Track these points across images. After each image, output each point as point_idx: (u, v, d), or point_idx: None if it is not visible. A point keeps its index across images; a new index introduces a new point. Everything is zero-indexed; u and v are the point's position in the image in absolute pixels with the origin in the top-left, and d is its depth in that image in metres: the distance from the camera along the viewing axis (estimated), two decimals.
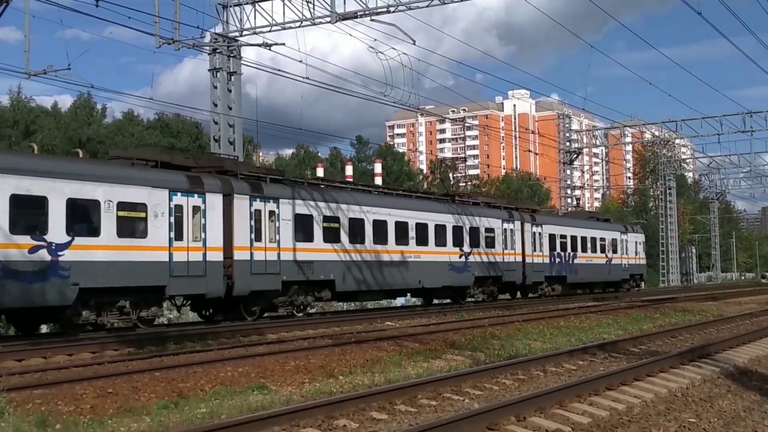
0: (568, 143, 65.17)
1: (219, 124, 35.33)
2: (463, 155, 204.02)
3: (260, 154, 62.31)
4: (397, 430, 9.85)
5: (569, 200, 66.68)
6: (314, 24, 33.27)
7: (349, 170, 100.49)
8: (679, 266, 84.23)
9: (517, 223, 42.14)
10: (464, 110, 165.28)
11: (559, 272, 45.68)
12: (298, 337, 22.13)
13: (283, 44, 30.48)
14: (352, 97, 35.67)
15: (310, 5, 32.58)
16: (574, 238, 47.55)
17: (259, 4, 34.31)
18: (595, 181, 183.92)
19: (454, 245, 36.97)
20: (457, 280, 37.50)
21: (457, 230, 37.21)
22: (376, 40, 34.02)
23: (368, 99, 35.06)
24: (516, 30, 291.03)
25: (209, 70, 35.56)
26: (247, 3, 34.58)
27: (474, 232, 38.53)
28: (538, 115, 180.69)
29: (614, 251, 53.19)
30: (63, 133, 75.02)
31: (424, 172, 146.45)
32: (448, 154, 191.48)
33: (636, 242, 57.50)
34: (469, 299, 39.85)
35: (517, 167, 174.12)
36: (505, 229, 41.24)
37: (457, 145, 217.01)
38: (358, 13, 31.38)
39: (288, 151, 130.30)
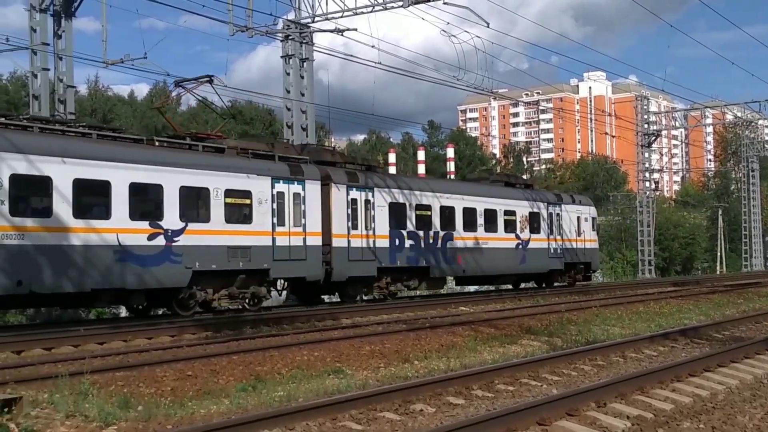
0: (646, 125, 63.67)
1: (292, 110, 35.56)
2: (536, 139, 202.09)
3: (332, 139, 62.57)
4: (475, 415, 9.75)
5: (647, 184, 65.20)
6: (386, 9, 33.08)
7: (421, 155, 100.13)
8: (762, 250, 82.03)
9: (311, 185, 26.81)
10: (538, 93, 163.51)
11: (409, 260, 30.93)
12: (372, 322, 22.17)
13: (355, 30, 30.44)
14: (425, 81, 35.37)
15: None
16: (445, 211, 32.80)
17: None
18: (675, 163, 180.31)
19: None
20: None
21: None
22: (448, 23, 33.81)
23: (440, 83, 34.77)
24: (592, 10, 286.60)
25: (282, 56, 35.78)
26: None
27: None
28: (614, 98, 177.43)
29: (534, 230, 38.04)
30: (139, 122, 76.44)
31: (497, 156, 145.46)
32: (521, 138, 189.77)
33: (579, 218, 41.80)
34: None
35: (592, 151, 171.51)
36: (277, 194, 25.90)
37: (530, 128, 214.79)
38: None
39: (360, 137, 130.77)
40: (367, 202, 28.84)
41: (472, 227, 34.09)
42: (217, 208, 23.70)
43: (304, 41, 34.77)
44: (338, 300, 30.43)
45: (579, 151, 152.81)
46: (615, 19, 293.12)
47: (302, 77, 35.54)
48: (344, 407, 9.76)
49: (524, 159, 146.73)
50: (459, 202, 33.56)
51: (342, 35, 30.45)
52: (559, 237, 40.16)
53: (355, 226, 28.15)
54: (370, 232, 28.83)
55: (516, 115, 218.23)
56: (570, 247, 40.92)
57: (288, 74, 35.49)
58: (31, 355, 16.18)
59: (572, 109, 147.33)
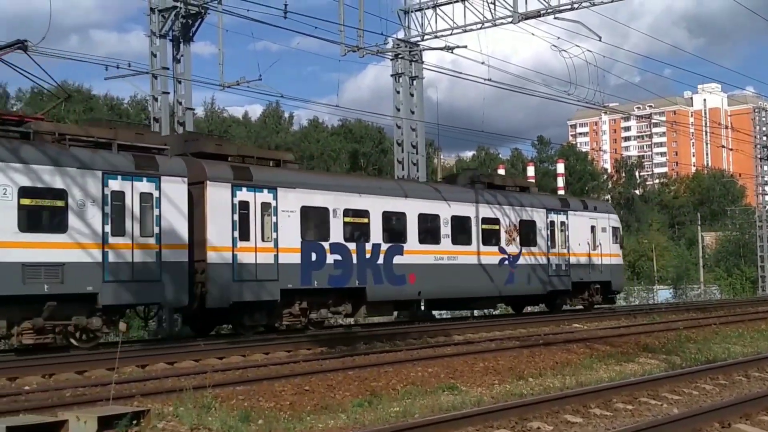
0: (765, 138, 61.68)
1: (402, 128, 35.87)
2: (649, 153, 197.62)
3: (441, 156, 62.85)
4: None
5: (767, 197, 62.97)
6: (495, 25, 33.11)
7: (530, 171, 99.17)
8: None
9: (170, 183, 21.13)
10: (650, 106, 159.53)
11: (333, 280, 24.76)
12: (484, 339, 22.16)
13: (465, 47, 30.49)
14: (534, 96, 34.98)
15: (492, 6, 32.44)
16: (390, 218, 26.69)
17: (440, 8, 34.50)
18: None
19: None
20: None
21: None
22: (559, 38, 33.40)
23: (550, 98, 34.51)
24: (706, 21, 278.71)
25: (392, 75, 36.19)
26: (428, 8, 34.87)
27: None
28: (730, 110, 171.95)
29: (527, 242, 31.50)
30: (253, 141, 78.38)
31: (609, 171, 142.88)
32: (633, 153, 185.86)
33: (594, 228, 35.01)
34: None
35: (708, 164, 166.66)
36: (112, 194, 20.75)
37: (643, 142, 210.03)
38: (541, 12, 30.98)
39: (469, 153, 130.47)
40: (265, 205, 22.97)
41: (432, 238, 27.65)
42: (5, 211, 18.06)
43: (414, 59, 35.08)
44: (449, 317, 29.97)
45: (694, 165, 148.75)
46: (730, 29, 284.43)
47: (412, 95, 35.88)
48: (460, 424, 9.79)
49: (637, 173, 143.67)
50: (412, 207, 27.06)
51: (451, 53, 30.57)
52: (564, 251, 33.07)
53: (245, 237, 22.15)
54: (271, 245, 22.99)
55: (627, 129, 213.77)
56: (581, 262, 33.77)
57: (398, 92, 35.86)
58: (155, 369, 16.79)
59: (686, 122, 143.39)
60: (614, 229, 36.09)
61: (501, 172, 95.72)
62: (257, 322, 23.27)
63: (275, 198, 23.18)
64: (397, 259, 26.27)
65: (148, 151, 20.90)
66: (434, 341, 21.75)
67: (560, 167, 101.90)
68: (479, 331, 24.28)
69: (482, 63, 30.67)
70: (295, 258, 23.40)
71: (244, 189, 22.56)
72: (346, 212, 25.04)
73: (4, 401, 12.66)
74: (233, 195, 22.30)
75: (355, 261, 24.98)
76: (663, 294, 63.91)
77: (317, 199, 24.31)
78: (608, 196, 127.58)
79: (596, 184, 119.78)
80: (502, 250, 30.13)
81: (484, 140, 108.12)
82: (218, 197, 21.95)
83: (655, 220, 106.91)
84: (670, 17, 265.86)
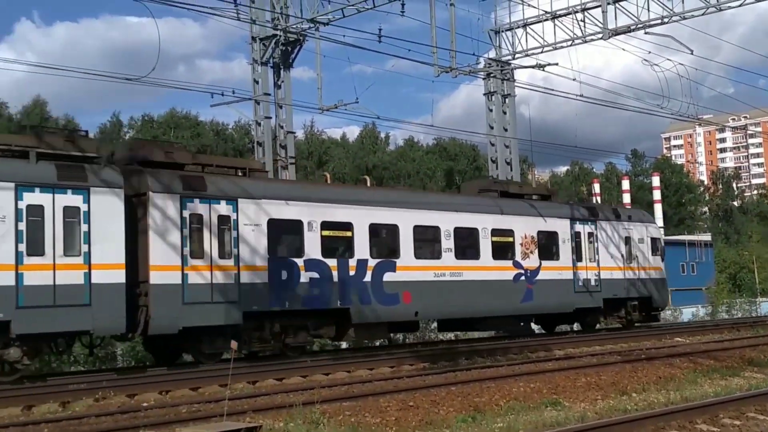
0: None
1: (495, 145, 36.24)
2: (746, 164, 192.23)
3: (535, 172, 62.59)
4: None
5: None
6: (586, 41, 33.14)
7: (625, 185, 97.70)
8: None
9: (101, 196, 18.80)
10: (746, 117, 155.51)
11: (309, 301, 21.94)
12: (585, 353, 22.11)
13: (556, 64, 30.55)
14: (626, 111, 34.73)
15: (582, 24, 32.51)
16: (379, 231, 24.09)
17: (531, 26, 34.73)
18: None
19: None
20: None
21: None
22: (650, 52, 33.19)
23: (643, 112, 34.28)
24: None
25: (484, 94, 36.69)
26: (518, 27, 35.16)
27: None
28: None
29: (548, 255, 28.31)
30: (351, 162, 79.54)
31: (705, 183, 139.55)
32: (729, 164, 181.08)
33: (629, 238, 31.76)
34: None
35: None
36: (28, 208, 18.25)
37: (739, 153, 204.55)
38: (631, 27, 30.89)
39: (563, 168, 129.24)
40: (223, 218, 20.42)
41: (431, 253, 24.96)
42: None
43: (506, 78, 35.40)
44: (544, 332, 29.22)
45: None
46: None
47: (505, 112, 36.28)
48: None
49: (734, 185, 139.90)
50: (405, 218, 24.31)
51: (543, 70, 30.70)
52: (594, 264, 29.79)
53: (197, 254, 19.97)
54: (231, 262, 20.38)
55: (723, 140, 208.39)
56: (614, 277, 30.55)
57: (491, 110, 36.28)
58: (265, 386, 17.32)
59: None
60: (653, 239, 32.90)
61: (596, 186, 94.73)
62: (218, 349, 20.41)
63: (236, 210, 20.61)
64: (389, 276, 23.52)
65: (75, 160, 18.54)
66: (535, 356, 21.77)
67: (655, 180, 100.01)
68: (580, 346, 24.21)
69: (573, 79, 30.71)
70: (262, 277, 20.84)
71: (197, 201, 20.11)
72: (325, 225, 22.32)
73: (126, 417, 13.34)
74: (182, 207, 19.78)
75: (335, 279, 22.28)
76: (766, 306, 62.16)
77: (288, 211, 21.66)
78: (706, 208, 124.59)
79: (693, 196, 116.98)
80: (517, 265, 27.00)
81: (578, 155, 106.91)
82: (163, 210, 19.58)
83: (754, 231, 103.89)
84: (763, 27, 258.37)
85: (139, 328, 18.87)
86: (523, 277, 26.98)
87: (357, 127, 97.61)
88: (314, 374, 18.67)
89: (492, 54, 36.33)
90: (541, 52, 34.61)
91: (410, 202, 25.19)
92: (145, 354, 24.67)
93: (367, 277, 22.95)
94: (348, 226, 22.85)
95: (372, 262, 23.14)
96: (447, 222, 25.16)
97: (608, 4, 30.54)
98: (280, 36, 29.96)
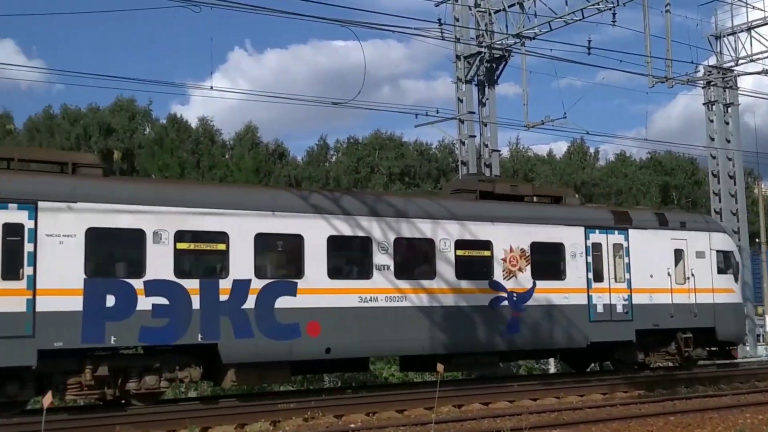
0: None
1: (717, 158, 34.27)
2: None
3: (762, 186, 58.68)
4: None
5: None
6: None
7: None
8: None
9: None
10: None
11: (150, 335, 16.67)
12: None
13: None
14: None
15: None
16: (271, 243, 18.52)
17: (756, 30, 32.61)
18: None
19: None
20: None
21: None
22: None
23: None
24: None
25: (704, 103, 34.87)
26: (741, 31, 33.13)
27: None
28: None
29: (547, 274, 21.62)
30: (558, 179, 78.14)
31: None
32: None
33: (680, 251, 24.01)
34: None
35: None
36: None
37: None
38: None
39: None
40: (13, 228, 15.59)
41: (355, 272, 19.35)
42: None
43: (728, 86, 33.48)
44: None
45: None
46: None
47: (727, 123, 34.35)
48: None
49: None
50: (316, 227, 18.58)
51: None
52: (622, 285, 22.77)
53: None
54: (22, 284, 15.50)
55: None
56: (655, 302, 23.21)
57: (711, 121, 34.48)
58: (470, 410, 17.15)
59: None
60: (721, 253, 24.80)
61: None
62: (10, 398, 15.62)
63: (33, 217, 15.73)
64: (284, 302, 17.92)
65: None
66: (763, 385, 20.29)
67: None
68: None
69: None
70: (73, 303, 15.87)
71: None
72: (181, 236, 17.08)
73: None
74: None
75: (196, 306, 16.97)
76: None
77: (122, 218, 16.58)
78: None
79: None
80: (496, 286, 20.69)
81: None
82: None
83: None
84: None
85: None
86: (505, 302, 20.71)
87: (564, 143, 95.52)
88: (521, 399, 18.28)
89: (712, 61, 34.50)
90: None
91: (326, 205, 18.94)
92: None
93: (249, 304, 17.52)
94: (221, 237, 17.46)
95: (258, 284, 17.69)
96: (382, 231, 19.32)
97: None
98: (485, 53, 29.70)
